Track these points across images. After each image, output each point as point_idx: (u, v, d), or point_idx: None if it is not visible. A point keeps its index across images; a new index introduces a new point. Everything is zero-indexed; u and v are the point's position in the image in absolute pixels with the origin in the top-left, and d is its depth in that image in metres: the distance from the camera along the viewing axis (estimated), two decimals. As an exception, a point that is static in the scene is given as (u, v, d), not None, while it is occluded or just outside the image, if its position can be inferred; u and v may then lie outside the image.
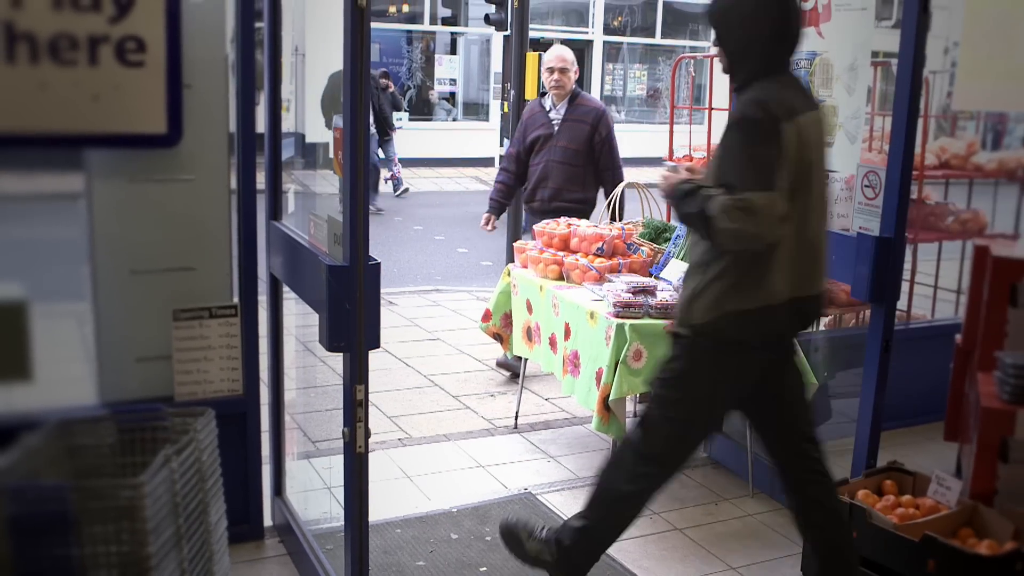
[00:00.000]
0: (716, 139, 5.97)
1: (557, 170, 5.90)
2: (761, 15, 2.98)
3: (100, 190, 3.27)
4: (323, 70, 4.37)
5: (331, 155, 3.31)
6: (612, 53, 22.79)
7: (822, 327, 5.47)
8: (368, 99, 2.72)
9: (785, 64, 3.07)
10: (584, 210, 5.90)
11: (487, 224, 6.27)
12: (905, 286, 5.25)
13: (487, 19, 11.04)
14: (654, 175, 7.77)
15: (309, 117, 4.10)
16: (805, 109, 2.95)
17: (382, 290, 2.88)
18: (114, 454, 2.73)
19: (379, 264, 2.81)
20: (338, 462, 4.54)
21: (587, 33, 22.19)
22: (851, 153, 4.10)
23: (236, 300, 3.55)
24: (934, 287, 6.02)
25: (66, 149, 3.19)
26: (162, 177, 3.32)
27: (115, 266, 3.32)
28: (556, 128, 5.92)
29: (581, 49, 22.47)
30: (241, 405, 3.59)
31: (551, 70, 5.95)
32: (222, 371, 3.51)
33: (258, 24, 3.66)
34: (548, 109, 6.00)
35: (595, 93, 21.01)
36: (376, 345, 2.83)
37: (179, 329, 3.43)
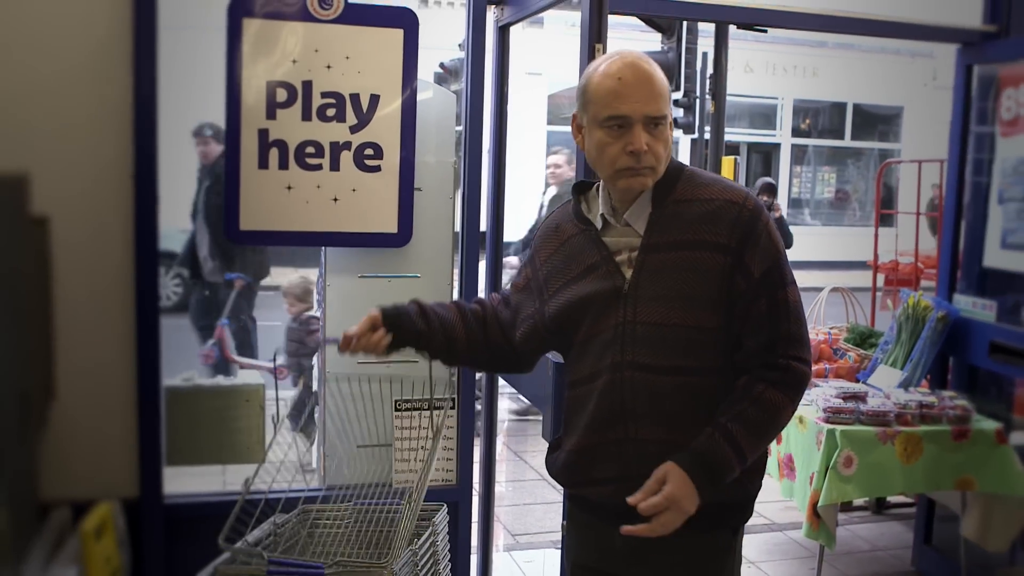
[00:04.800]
0: (923, 244, 5.86)
1: None
2: None
3: (333, 284, 3.48)
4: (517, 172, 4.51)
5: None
6: (799, 155, 22.61)
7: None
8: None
9: None
10: None
11: None
12: None
13: (675, 123, 11.19)
14: (854, 279, 7.64)
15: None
16: None
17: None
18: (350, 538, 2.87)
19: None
20: (537, 556, 4.59)
21: (774, 136, 22.12)
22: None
23: (454, 393, 3.68)
24: None
25: (307, 246, 3.42)
26: (390, 274, 3.52)
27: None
28: None
29: (768, 151, 22.41)
30: (454, 495, 3.68)
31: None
32: (437, 461, 3.62)
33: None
34: None
35: (783, 196, 20.85)
36: (597, 439, 2.88)
37: (399, 419, 3.57)
